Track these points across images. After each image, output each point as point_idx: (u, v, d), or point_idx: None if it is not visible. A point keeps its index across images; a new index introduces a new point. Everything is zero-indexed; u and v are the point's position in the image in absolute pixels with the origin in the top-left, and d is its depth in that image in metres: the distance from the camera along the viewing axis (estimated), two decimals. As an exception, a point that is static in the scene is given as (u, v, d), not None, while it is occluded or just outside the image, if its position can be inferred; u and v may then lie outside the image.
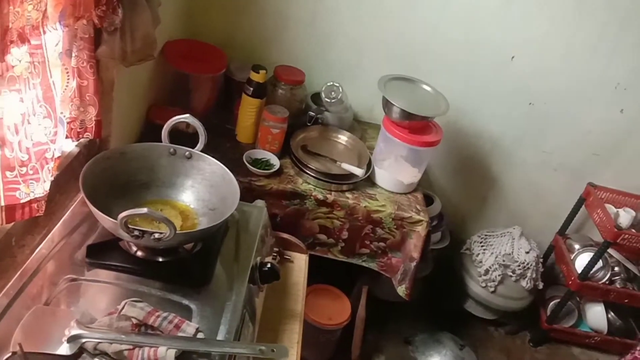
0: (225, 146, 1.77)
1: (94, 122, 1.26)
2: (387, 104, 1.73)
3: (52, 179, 1.12)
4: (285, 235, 1.29)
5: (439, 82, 1.86)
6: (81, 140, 1.29)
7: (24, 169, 1.01)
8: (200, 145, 1.06)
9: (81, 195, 0.93)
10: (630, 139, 2.22)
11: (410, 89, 1.81)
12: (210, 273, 0.94)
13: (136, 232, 0.81)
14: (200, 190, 1.06)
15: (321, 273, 1.77)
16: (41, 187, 1.06)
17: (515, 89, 2.13)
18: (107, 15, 1.14)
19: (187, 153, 1.06)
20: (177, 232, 0.81)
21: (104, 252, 0.91)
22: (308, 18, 1.97)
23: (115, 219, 0.82)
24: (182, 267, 0.93)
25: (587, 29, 1.98)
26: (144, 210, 0.76)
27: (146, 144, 1.05)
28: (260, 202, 1.19)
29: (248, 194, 1.64)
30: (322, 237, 1.78)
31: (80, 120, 1.24)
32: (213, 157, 1.09)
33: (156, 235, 0.82)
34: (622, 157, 2.26)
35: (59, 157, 1.22)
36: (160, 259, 0.94)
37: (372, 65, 2.06)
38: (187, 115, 1.03)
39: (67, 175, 1.28)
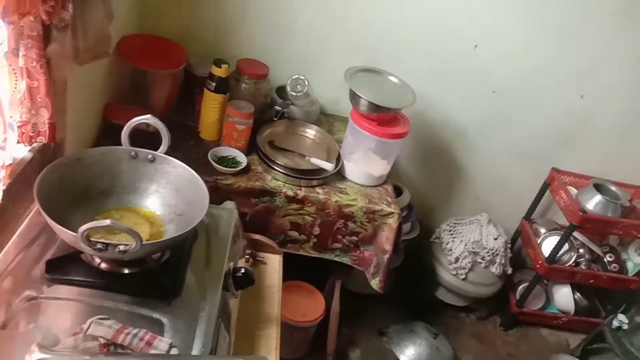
0: (188, 144, 1.71)
1: (47, 125, 1.18)
2: (354, 97, 1.71)
3: (4, 188, 1.04)
4: (257, 237, 1.24)
5: (405, 72, 1.85)
6: (34, 144, 1.22)
7: (-29, 180, 0.94)
8: (163, 147, 1.00)
9: (35, 184, 0.86)
10: (590, 123, 2.26)
11: (377, 80, 1.79)
12: (180, 283, 0.89)
13: (99, 245, 0.75)
14: (165, 195, 1.00)
15: (293, 269, 1.74)
16: (-9, 198, 0.98)
17: (479, 77, 2.13)
18: (56, 11, 1.06)
19: (149, 156, 1.00)
20: (143, 243, 0.76)
21: (64, 266, 0.85)
22: (268, 7, 1.92)
23: (76, 231, 0.76)
24: (150, 279, 0.87)
25: (548, 17, 2.00)
26: (107, 222, 0.71)
27: (104, 148, 0.98)
28: (230, 204, 1.15)
29: (215, 193, 1.58)
30: (294, 233, 1.75)
31: (32, 123, 1.16)
32: (176, 157, 1.04)
33: (121, 248, 0.77)
34: (584, 142, 2.31)
35: (10, 164, 1.15)
36: (126, 271, 0.88)
37: (337, 56, 2.03)
38: (149, 115, 0.97)
39: (20, 183, 1.19)
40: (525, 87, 2.16)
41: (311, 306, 1.95)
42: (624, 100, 2.20)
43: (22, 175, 1.21)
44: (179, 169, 1.00)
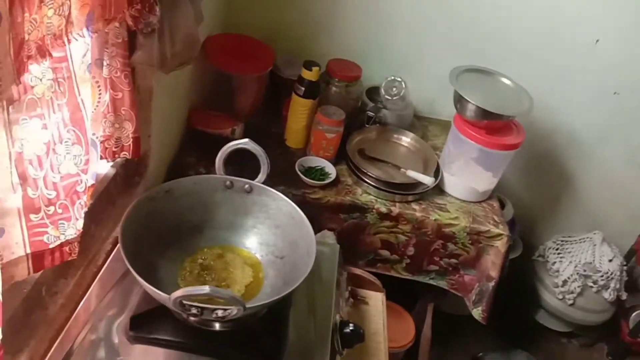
0: (274, 153, 1.56)
1: (131, 140, 1.08)
2: (460, 101, 1.50)
3: (85, 210, 0.95)
4: (358, 271, 1.09)
5: (511, 70, 1.62)
6: (117, 160, 1.12)
7: (52, 209, 0.84)
8: (262, 176, 0.86)
9: (119, 227, 0.75)
10: None
11: (487, 82, 1.56)
12: (283, 344, 0.75)
13: (193, 310, 0.62)
14: (263, 232, 0.86)
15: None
16: (73, 227, 0.88)
17: (599, 76, 1.85)
18: (142, 15, 0.95)
19: (246, 186, 0.85)
20: (247, 307, 0.62)
21: (150, 322, 0.73)
22: (362, 2, 1.74)
23: (166, 285, 0.63)
24: (247, 339, 0.73)
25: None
26: (206, 289, 0.57)
27: (197, 177, 0.85)
28: (329, 236, 1.00)
29: (302, 208, 1.44)
30: (385, 253, 1.58)
31: (115, 138, 1.06)
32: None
33: (219, 313, 0.63)
34: None
35: (92, 184, 1.06)
36: (219, 328, 0.74)
37: (434, 53, 1.82)
38: (247, 140, 0.83)
39: (102, 202, 1.10)
40: (653, 89, 1.86)
41: (400, 330, 1.78)
42: None
43: (104, 193, 1.12)
44: (279, 202, 0.85)
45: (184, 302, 0.61)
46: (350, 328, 0.81)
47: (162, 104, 1.24)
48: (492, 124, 1.50)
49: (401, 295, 1.86)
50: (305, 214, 1.43)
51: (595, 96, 1.89)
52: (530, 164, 2.06)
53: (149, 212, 0.77)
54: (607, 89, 1.88)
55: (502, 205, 1.91)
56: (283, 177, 1.47)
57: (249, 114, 1.60)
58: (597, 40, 1.79)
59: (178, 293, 0.59)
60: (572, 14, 1.74)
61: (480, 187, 1.58)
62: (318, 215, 1.50)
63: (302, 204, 1.43)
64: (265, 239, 0.85)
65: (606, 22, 1.76)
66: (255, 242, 0.86)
